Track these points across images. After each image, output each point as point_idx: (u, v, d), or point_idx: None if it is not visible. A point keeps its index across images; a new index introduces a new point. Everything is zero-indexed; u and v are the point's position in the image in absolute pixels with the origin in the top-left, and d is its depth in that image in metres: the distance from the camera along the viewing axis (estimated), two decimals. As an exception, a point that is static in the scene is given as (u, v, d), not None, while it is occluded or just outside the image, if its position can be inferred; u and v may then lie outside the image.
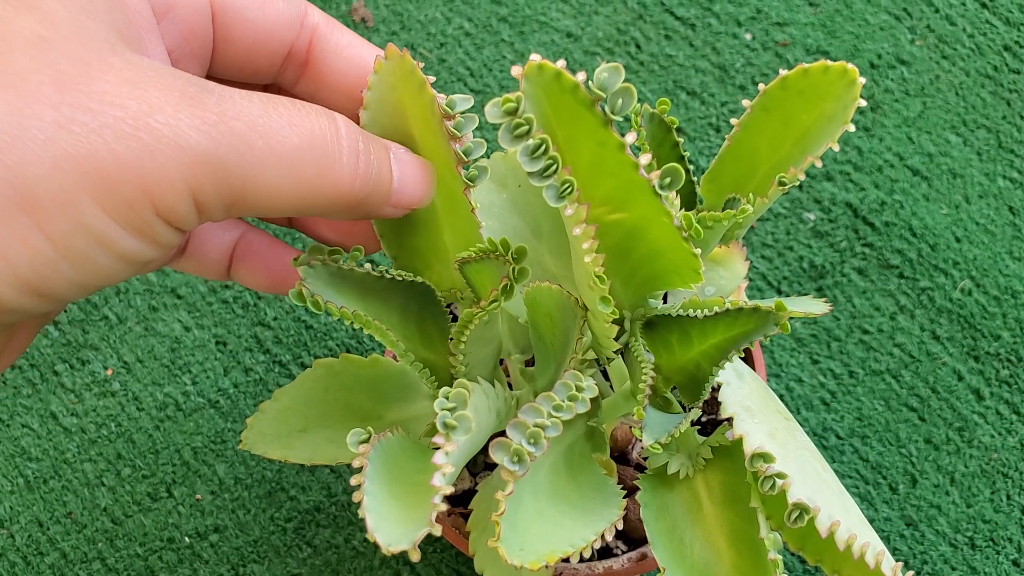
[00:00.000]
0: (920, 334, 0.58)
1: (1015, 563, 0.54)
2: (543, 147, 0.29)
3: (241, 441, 0.39)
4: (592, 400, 0.38)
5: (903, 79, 0.63)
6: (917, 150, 0.61)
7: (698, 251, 0.32)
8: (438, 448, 0.29)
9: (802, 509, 0.32)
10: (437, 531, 0.29)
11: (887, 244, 0.59)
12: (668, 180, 0.31)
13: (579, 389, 0.32)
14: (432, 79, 0.35)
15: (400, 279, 0.37)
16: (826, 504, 0.33)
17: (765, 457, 0.33)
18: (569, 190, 0.30)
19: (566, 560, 0.42)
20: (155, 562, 0.55)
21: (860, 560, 0.33)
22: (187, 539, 0.55)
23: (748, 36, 0.64)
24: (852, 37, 0.64)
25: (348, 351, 0.58)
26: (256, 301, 0.59)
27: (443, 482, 0.29)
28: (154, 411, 0.57)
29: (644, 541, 0.44)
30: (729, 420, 0.34)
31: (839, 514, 0.33)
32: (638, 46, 0.64)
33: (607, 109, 0.29)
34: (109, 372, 0.58)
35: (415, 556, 0.29)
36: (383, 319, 0.37)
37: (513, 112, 0.29)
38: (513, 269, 0.34)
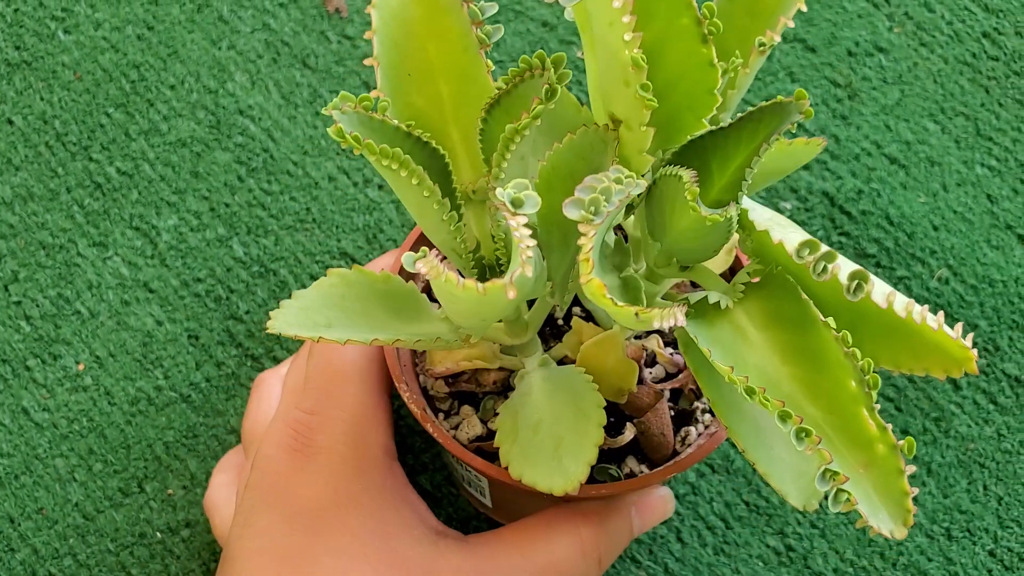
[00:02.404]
0: (897, 323, 0.57)
1: (991, 553, 0.54)
2: None
3: (266, 328, 0.37)
4: (622, 253, 0.38)
5: (881, 67, 0.62)
6: (895, 138, 0.61)
7: (716, 59, 0.32)
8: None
9: (860, 278, 0.32)
10: (529, 272, 0.30)
11: (864, 233, 0.59)
12: None
13: (631, 175, 0.32)
14: None
15: (426, 141, 0.36)
16: (876, 282, 0.33)
17: (811, 245, 0.32)
18: None
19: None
20: (126, 558, 0.55)
21: (922, 327, 0.32)
22: (159, 534, 0.55)
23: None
24: (829, 24, 0.63)
25: (321, 344, 0.58)
26: (228, 295, 0.59)
27: (525, 237, 0.30)
28: (126, 406, 0.57)
29: (667, 461, 0.43)
30: (763, 235, 0.34)
31: (888, 289, 0.33)
32: None
33: None
34: (81, 367, 0.58)
35: (512, 293, 0.30)
36: None
37: None
38: (552, 74, 0.33)
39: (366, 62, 0.37)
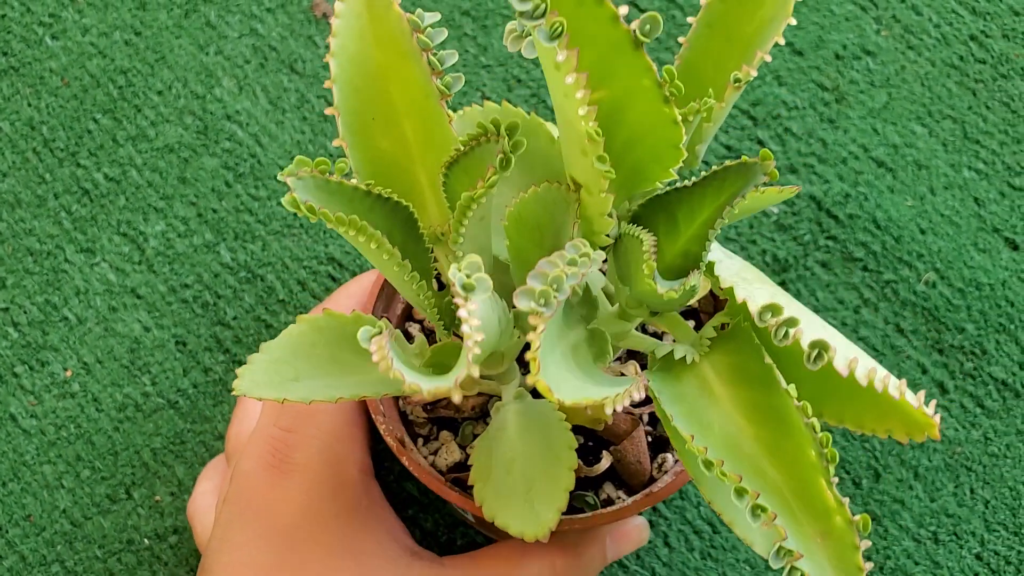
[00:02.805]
0: (884, 327, 0.57)
1: (978, 557, 0.54)
2: None
3: (233, 389, 0.38)
4: (589, 304, 0.38)
5: (868, 70, 0.62)
6: (882, 141, 0.61)
7: (679, 117, 0.32)
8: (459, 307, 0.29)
9: (820, 347, 0.32)
10: (475, 372, 0.29)
11: (851, 237, 0.59)
12: (648, 27, 0.31)
13: (586, 253, 0.32)
14: None
15: (387, 197, 0.36)
16: (839, 346, 0.33)
17: (774, 309, 0.32)
18: (559, 31, 0.29)
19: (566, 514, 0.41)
20: (114, 564, 0.55)
21: (884, 394, 0.32)
22: (146, 541, 0.55)
23: (713, 28, 0.63)
24: (817, 28, 0.63)
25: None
26: (216, 300, 0.59)
27: (472, 331, 0.29)
28: (113, 412, 0.57)
29: (644, 487, 0.43)
30: (716, 307, 0.34)
31: (853, 353, 0.33)
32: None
33: None
34: (68, 373, 0.58)
35: (457, 396, 0.29)
36: None
37: None
38: (508, 142, 0.33)
39: (327, 111, 0.37)
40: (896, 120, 0.61)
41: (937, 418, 0.33)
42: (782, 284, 0.58)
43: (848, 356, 0.32)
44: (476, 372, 0.29)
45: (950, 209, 0.59)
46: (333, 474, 0.44)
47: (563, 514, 0.38)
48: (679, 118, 0.32)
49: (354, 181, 0.35)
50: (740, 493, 0.31)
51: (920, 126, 0.61)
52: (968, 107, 0.62)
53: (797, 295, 0.58)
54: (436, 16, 0.35)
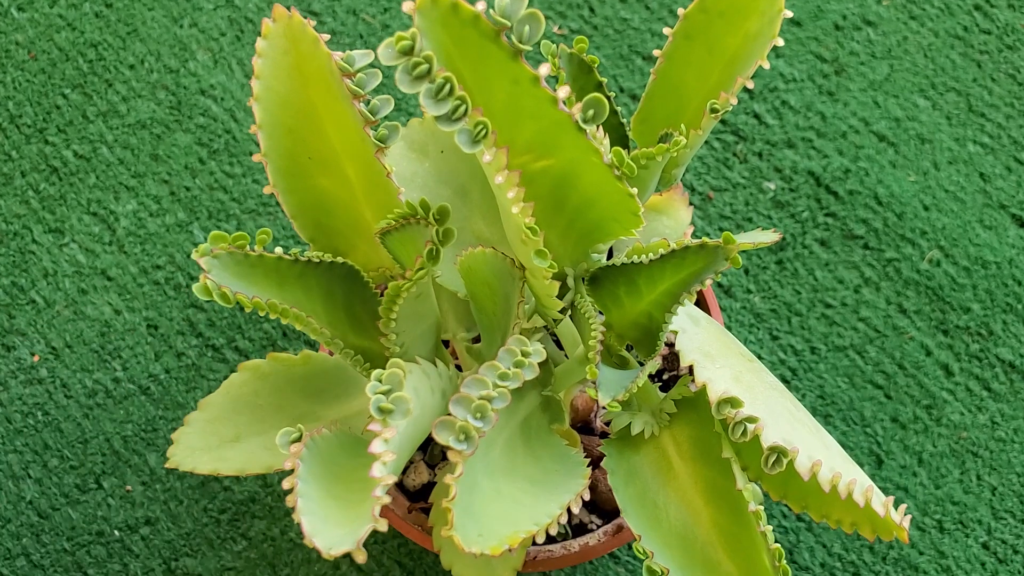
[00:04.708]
0: (886, 307, 0.55)
1: (984, 546, 0.52)
2: (447, 87, 0.26)
3: (168, 459, 0.36)
4: (543, 367, 0.36)
5: (869, 41, 0.60)
6: (884, 115, 0.59)
7: (634, 191, 0.31)
8: (375, 436, 0.27)
9: (779, 452, 0.30)
10: (383, 526, 0.26)
11: (851, 214, 0.57)
12: (591, 112, 0.29)
13: (525, 355, 0.30)
14: (326, 37, 0.32)
15: (319, 261, 0.35)
16: (804, 444, 0.31)
17: (732, 402, 0.31)
18: (483, 133, 0.27)
19: (536, 544, 0.40)
20: (83, 557, 0.52)
21: (848, 500, 0.31)
22: (117, 532, 0.53)
23: (707, -2, 0.61)
24: (815, -2, 0.61)
25: (285, 334, 0.56)
26: (189, 282, 0.56)
27: (384, 472, 0.26)
28: (83, 398, 0.55)
29: (619, 512, 0.42)
30: (690, 369, 0.32)
31: (819, 453, 0.31)
32: (592, 9, 0.61)
33: (514, 39, 0.27)
34: (36, 358, 0.55)
35: (361, 557, 0.26)
36: (304, 307, 0.34)
37: (409, 51, 0.26)
38: (437, 231, 0.32)
39: (255, 158, 0.35)
40: (898, 93, 0.59)
41: (907, 521, 0.31)
42: (779, 264, 0.56)
43: (813, 456, 0.31)
44: (383, 526, 0.26)
45: (954, 184, 0.57)
46: None
47: (533, 544, 0.37)
48: (634, 192, 0.31)
49: (278, 251, 0.33)
50: None
51: (923, 99, 0.59)
52: (973, 79, 0.59)
53: (795, 275, 0.56)
54: (369, 56, 0.32)
